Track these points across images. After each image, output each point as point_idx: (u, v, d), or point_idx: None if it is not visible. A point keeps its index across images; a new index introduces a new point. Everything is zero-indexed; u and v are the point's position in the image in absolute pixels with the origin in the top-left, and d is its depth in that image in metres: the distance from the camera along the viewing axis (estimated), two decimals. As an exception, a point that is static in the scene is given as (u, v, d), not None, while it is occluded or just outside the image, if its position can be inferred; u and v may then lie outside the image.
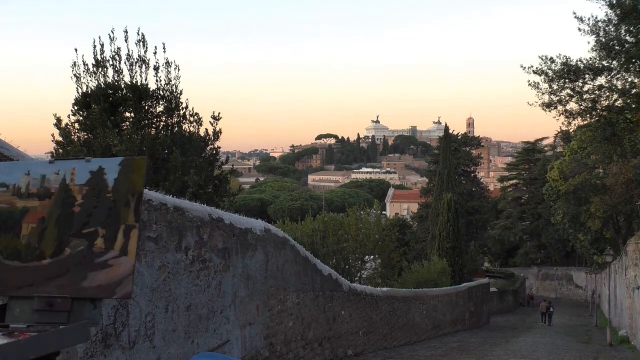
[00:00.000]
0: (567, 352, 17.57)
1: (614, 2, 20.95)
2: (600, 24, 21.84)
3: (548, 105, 24.11)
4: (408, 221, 55.09)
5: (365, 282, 22.46)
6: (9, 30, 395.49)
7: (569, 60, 23.13)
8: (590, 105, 23.81)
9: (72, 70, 11.88)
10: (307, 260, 9.52)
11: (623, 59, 21.90)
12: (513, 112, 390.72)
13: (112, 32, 11.92)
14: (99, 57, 11.91)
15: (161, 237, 4.83)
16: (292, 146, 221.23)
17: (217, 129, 13.14)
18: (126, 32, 11.85)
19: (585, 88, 23.64)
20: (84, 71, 11.87)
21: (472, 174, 52.62)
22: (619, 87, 23.29)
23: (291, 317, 8.51)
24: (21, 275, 1.88)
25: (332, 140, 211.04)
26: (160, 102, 12.26)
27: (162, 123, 12.35)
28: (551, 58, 23.34)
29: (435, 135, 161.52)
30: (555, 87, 23.76)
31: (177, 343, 5.06)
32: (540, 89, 23.94)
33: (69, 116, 12.01)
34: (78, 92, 11.98)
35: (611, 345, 20.27)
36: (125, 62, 11.91)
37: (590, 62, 22.84)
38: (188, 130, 12.64)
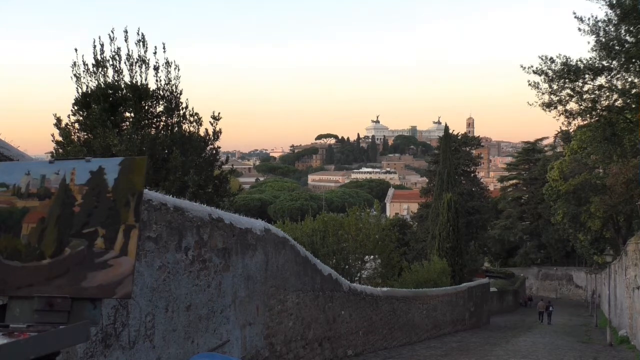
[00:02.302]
0: (567, 352, 17.57)
1: (614, 2, 20.95)
2: (600, 24, 21.85)
3: (548, 105, 24.11)
4: (408, 221, 55.09)
5: (365, 282, 22.45)
6: (9, 30, 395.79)
7: (569, 60, 23.14)
8: (590, 105, 23.80)
9: (72, 70, 11.86)
10: (307, 260, 9.52)
11: (623, 59, 21.90)
12: (513, 112, 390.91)
13: (112, 32, 11.91)
14: (99, 57, 11.89)
15: (161, 237, 4.83)
16: (292, 146, 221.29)
17: (217, 129, 13.13)
18: (126, 32, 11.84)
19: (585, 88, 23.65)
20: (84, 71, 11.85)
21: (472, 174, 52.61)
22: (619, 87, 23.29)
23: (291, 317, 8.52)
24: (21, 275, 1.88)
25: (332, 140, 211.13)
26: (160, 102, 12.24)
27: (162, 123, 12.33)
28: (551, 58, 23.35)
29: (435, 135, 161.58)
30: (555, 87, 23.76)
31: (177, 343, 5.06)
32: (540, 89, 23.96)
33: (69, 116, 12.00)
34: (78, 92, 11.96)
35: (611, 345, 20.26)
36: (125, 62, 11.89)
37: (590, 62, 22.84)
38: (188, 130, 12.62)
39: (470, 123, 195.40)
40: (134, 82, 11.88)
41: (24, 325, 1.77)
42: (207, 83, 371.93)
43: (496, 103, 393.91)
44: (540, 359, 15.50)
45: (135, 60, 11.89)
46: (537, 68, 23.56)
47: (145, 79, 11.99)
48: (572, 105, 24.13)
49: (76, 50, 11.80)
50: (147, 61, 11.98)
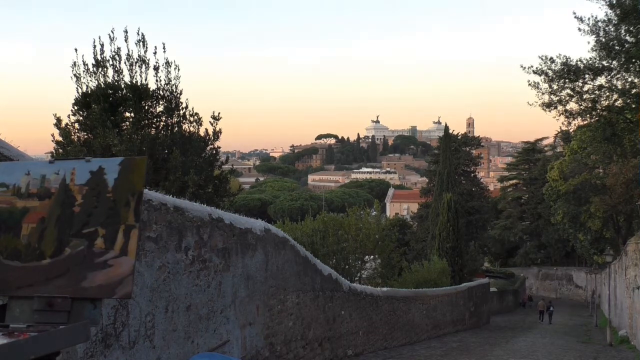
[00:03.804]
0: (567, 352, 17.57)
1: (614, 2, 20.95)
2: (600, 24, 21.86)
3: (548, 105, 24.12)
4: (408, 221, 55.09)
5: (365, 282, 22.45)
6: (9, 30, 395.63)
7: (569, 60, 23.15)
8: (590, 105, 23.82)
9: (72, 70, 11.86)
10: (307, 260, 9.52)
11: (623, 59, 21.90)
12: (513, 112, 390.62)
13: (112, 32, 11.90)
14: (99, 57, 11.88)
15: (161, 237, 4.83)
16: (292, 146, 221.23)
17: (217, 129, 13.12)
18: (126, 32, 11.83)
19: (585, 88, 23.66)
20: (84, 71, 11.84)
21: (472, 174, 52.62)
22: (619, 87, 23.30)
23: (291, 317, 8.52)
24: (21, 275, 1.88)
25: (332, 140, 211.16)
26: (160, 102, 12.24)
27: (162, 123, 12.32)
28: (551, 58, 23.37)
29: (435, 135, 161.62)
30: (555, 87, 23.78)
31: (177, 343, 5.06)
32: (540, 89, 23.98)
33: (69, 116, 11.99)
34: (78, 92, 11.96)
35: (611, 345, 20.27)
36: (125, 62, 11.88)
37: (590, 62, 22.85)
38: (188, 130, 12.62)
39: (470, 123, 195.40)
40: (134, 82, 11.87)
41: (24, 325, 1.77)
42: (207, 83, 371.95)
43: (496, 103, 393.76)
44: (540, 359, 15.50)
45: (135, 60, 11.88)
46: (537, 68, 23.59)
47: (145, 79, 11.99)
48: (572, 105, 24.17)
49: (76, 50, 11.81)
50: (147, 61, 11.98)
